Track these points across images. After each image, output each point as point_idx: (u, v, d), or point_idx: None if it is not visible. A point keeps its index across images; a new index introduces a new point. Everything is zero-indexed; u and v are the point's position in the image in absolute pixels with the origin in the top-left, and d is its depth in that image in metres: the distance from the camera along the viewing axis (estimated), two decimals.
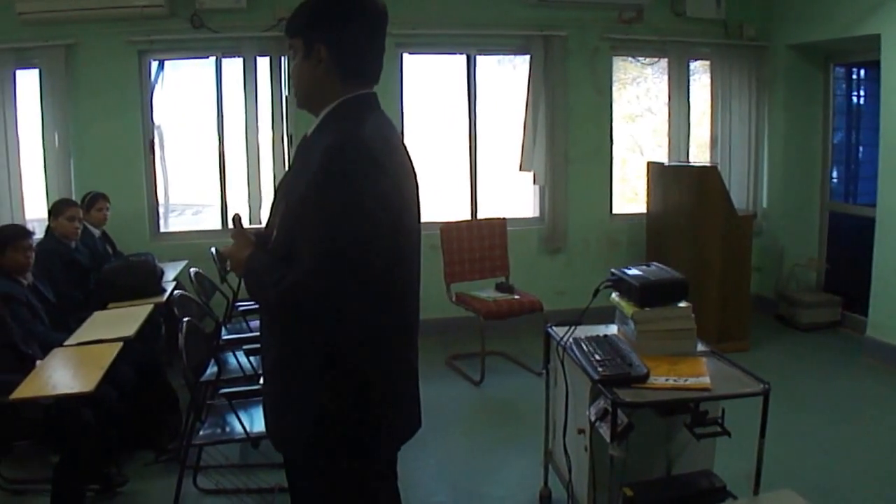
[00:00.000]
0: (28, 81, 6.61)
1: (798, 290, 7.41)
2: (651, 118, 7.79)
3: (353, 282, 1.97)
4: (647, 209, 7.23)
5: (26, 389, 3.49)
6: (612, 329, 3.61)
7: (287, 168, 6.49)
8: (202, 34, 6.63)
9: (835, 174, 7.60)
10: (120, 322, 4.54)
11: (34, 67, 6.56)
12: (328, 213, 1.95)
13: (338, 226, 1.94)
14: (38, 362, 3.90)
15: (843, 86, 7.53)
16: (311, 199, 1.97)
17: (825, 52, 7.27)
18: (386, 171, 2.05)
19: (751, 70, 7.53)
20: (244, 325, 5.25)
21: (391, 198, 2.06)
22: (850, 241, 7.36)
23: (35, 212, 6.55)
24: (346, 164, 1.97)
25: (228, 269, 2.29)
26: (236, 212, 2.32)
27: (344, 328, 2.05)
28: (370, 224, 1.98)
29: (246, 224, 2.29)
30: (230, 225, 2.28)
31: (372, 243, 1.99)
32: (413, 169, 2.26)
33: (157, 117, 6.98)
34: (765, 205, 7.76)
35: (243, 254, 2.16)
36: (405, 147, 2.26)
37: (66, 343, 4.19)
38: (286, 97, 6.71)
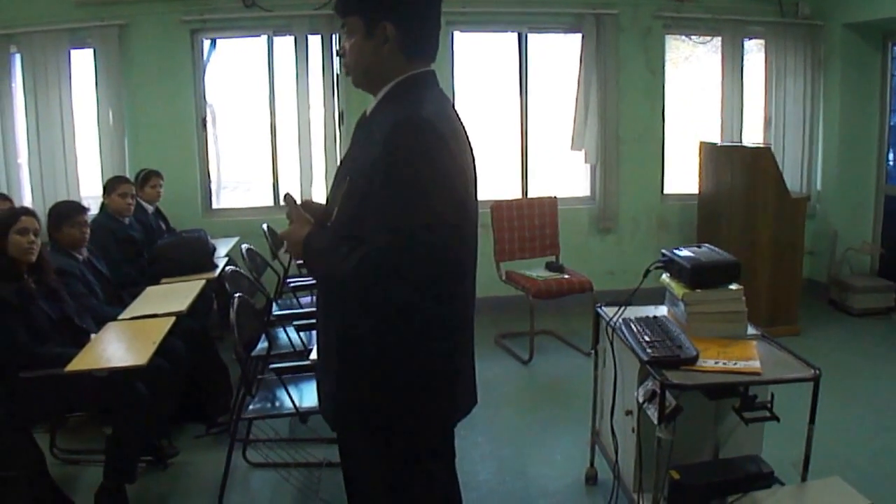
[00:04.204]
0: (82, 61, 6.71)
1: (851, 274, 7.29)
2: (703, 97, 7.68)
3: (420, 260, 1.96)
4: (699, 190, 7.15)
5: (81, 362, 3.56)
6: (662, 310, 3.58)
7: (338, 144, 6.60)
8: (254, 13, 6.67)
9: (891, 157, 7.42)
10: (172, 297, 4.62)
11: (88, 47, 6.65)
12: (396, 192, 1.95)
13: (406, 204, 1.94)
14: (93, 336, 3.98)
15: None
16: (378, 178, 1.97)
17: (883, 30, 7.10)
18: (450, 148, 2.04)
19: (806, 49, 7.38)
20: (295, 300, 5.32)
21: (455, 175, 2.06)
22: None
23: (90, 189, 6.67)
24: (412, 142, 1.97)
25: (285, 251, 2.28)
26: (287, 192, 2.32)
27: (407, 306, 2.05)
28: (437, 202, 1.98)
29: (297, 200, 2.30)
30: (282, 203, 2.27)
31: (438, 221, 1.98)
32: (471, 146, 2.25)
33: (210, 95, 7.05)
34: (819, 187, 7.64)
35: (302, 232, 2.15)
36: (463, 124, 2.24)
37: (119, 317, 4.27)
38: (337, 75, 6.73)
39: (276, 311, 5.06)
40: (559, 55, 7.42)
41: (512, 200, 6.56)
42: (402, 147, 1.96)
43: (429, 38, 2.19)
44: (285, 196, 2.26)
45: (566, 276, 6.14)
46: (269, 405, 3.92)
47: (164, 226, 6.29)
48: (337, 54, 1.81)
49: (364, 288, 2.01)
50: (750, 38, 7.55)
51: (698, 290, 3.27)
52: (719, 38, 7.36)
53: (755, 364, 2.90)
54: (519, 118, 7.36)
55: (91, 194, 6.50)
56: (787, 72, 7.39)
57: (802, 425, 2.91)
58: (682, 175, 7.55)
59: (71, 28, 6.47)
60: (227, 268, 5.06)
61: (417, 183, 1.95)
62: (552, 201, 6.57)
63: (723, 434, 3.32)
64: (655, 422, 2.85)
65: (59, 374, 3.50)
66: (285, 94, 6.95)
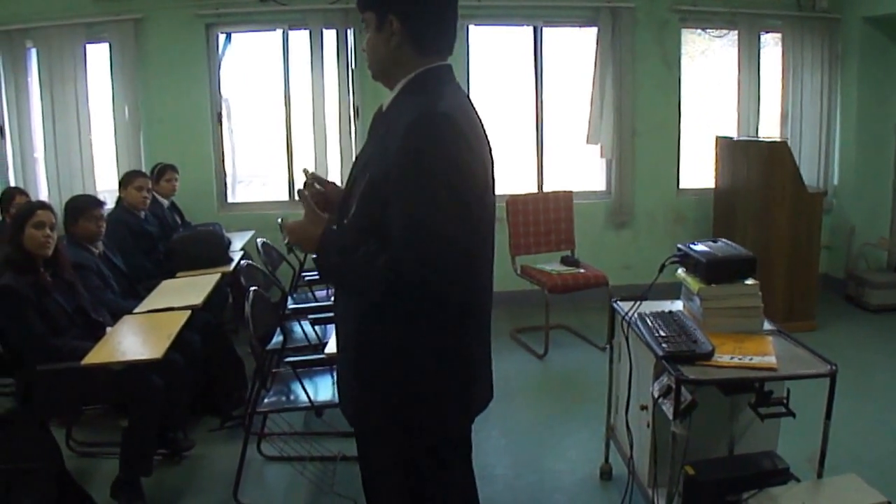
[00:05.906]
0: (98, 55, 6.75)
1: (868, 269, 7.25)
2: (720, 92, 7.64)
3: (438, 253, 1.95)
4: (715, 184, 7.12)
5: (97, 355, 3.58)
6: (678, 305, 3.58)
7: (353, 139, 6.60)
8: (269, 7, 6.68)
9: None
10: (188, 291, 4.64)
11: (104, 41, 6.68)
12: (415, 186, 1.94)
13: (425, 198, 1.93)
14: (109, 329, 4.01)
15: None
16: (397, 172, 1.96)
17: None
18: (470, 143, 2.04)
19: (823, 43, 7.32)
20: (310, 294, 5.33)
21: (474, 169, 2.05)
22: None
23: (106, 183, 6.69)
24: (431, 136, 1.95)
25: (286, 241, 2.24)
26: (304, 167, 2.30)
27: (427, 302, 2.04)
28: (456, 196, 1.97)
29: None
30: (303, 180, 2.26)
31: (457, 215, 1.97)
32: (488, 140, 2.23)
33: (225, 89, 7.07)
34: (836, 182, 7.58)
35: (316, 230, 2.10)
36: (480, 118, 2.23)
37: (135, 311, 4.29)
38: (352, 69, 6.74)
39: (291, 305, 5.08)
40: (575, 49, 7.39)
41: (527, 195, 6.54)
42: (421, 141, 1.95)
43: (441, 32, 2.16)
44: (306, 173, 2.25)
45: (581, 271, 6.12)
46: (283, 399, 3.92)
47: (179, 220, 6.32)
48: (362, 49, 1.82)
49: (386, 289, 1.99)
50: (767, 32, 7.50)
51: (714, 285, 3.25)
52: (736, 32, 7.31)
53: (771, 359, 2.89)
54: (534, 112, 7.35)
55: (107, 188, 6.53)
56: (805, 66, 7.34)
57: (818, 421, 2.90)
58: (699, 170, 7.51)
59: (87, 22, 6.51)
60: (243, 262, 5.08)
61: (436, 177, 1.94)
62: (567, 195, 6.55)
63: (738, 430, 3.31)
64: (671, 417, 2.84)
65: (75, 368, 3.52)
66: (300, 89, 6.96)
